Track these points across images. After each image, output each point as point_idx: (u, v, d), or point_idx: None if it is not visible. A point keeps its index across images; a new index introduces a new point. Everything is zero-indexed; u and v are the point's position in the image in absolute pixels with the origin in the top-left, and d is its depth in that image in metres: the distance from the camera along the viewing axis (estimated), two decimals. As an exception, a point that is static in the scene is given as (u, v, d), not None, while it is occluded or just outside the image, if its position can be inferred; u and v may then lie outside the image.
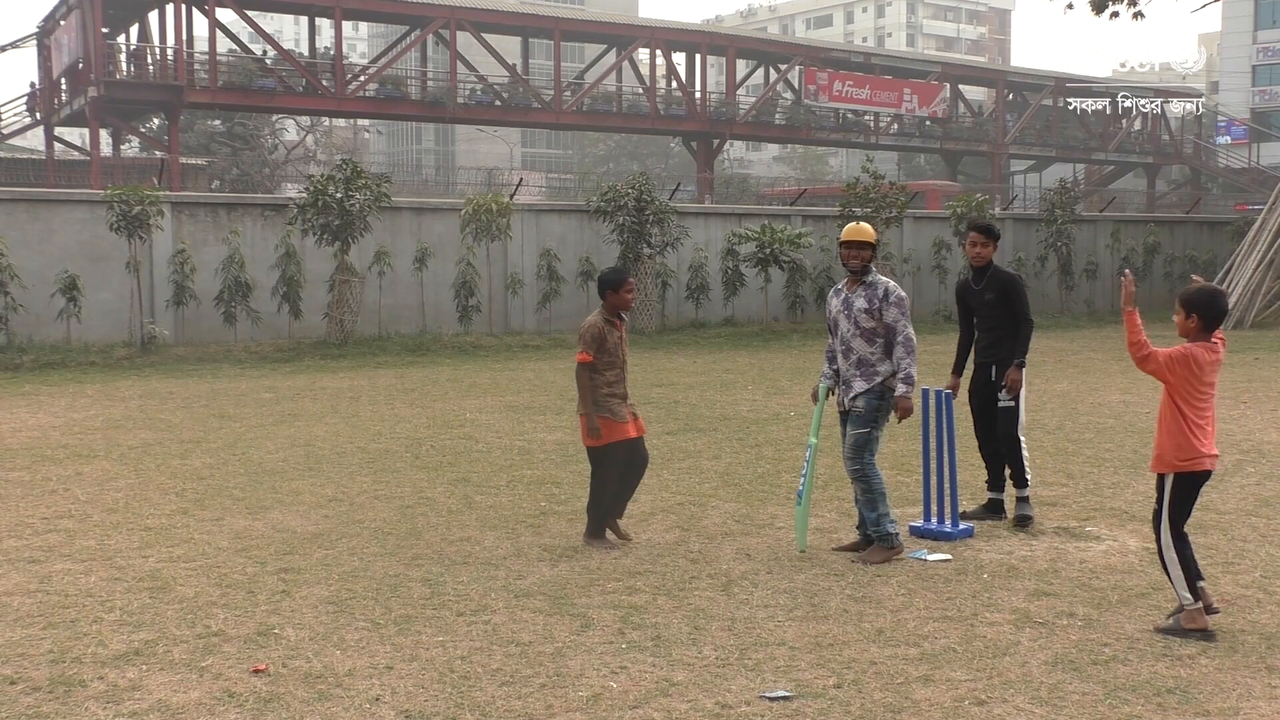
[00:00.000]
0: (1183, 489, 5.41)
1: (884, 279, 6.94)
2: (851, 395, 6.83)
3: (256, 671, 4.98)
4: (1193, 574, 5.39)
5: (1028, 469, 7.66)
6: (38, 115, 39.73)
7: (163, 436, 11.40)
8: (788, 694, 4.71)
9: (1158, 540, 5.46)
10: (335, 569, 6.59)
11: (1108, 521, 7.54)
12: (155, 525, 7.68)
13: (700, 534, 7.36)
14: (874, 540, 6.80)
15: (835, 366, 7.02)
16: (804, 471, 6.98)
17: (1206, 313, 5.38)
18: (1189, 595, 5.35)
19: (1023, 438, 7.69)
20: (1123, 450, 10.15)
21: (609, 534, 7.13)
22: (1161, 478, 5.45)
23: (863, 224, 7.02)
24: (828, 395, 7.07)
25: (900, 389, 6.74)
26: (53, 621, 5.67)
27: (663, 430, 11.49)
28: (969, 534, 7.30)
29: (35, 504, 8.35)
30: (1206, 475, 5.45)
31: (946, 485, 7.32)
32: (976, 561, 6.70)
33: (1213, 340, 5.41)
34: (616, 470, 7.08)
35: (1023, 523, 7.46)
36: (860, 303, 6.83)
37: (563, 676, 4.92)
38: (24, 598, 6.07)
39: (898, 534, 6.83)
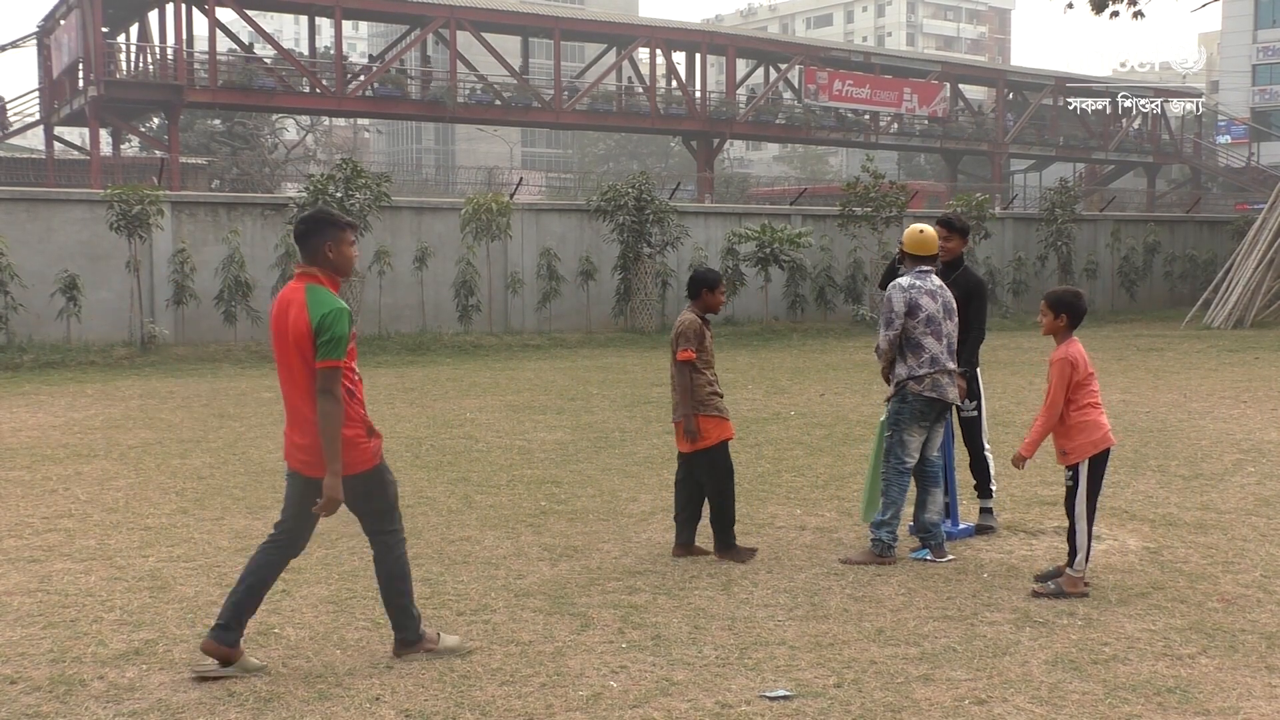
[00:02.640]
0: (1098, 468, 6.02)
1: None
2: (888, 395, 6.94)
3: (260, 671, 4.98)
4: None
5: (994, 480, 7.62)
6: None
7: (163, 436, 11.40)
8: (788, 693, 4.71)
9: (1072, 524, 6.01)
10: (335, 569, 6.59)
11: (1107, 521, 7.54)
12: (155, 525, 7.69)
13: (700, 534, 7.35)
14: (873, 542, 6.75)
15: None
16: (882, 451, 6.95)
17: (1073, 312, 6.02)
18: (1084, 564, 5.97)
19: (988, 447, 7.64)
20: (1122, 450, 10.14)
21: (676, 550, 6.88)
22: (1075, 465, 5.99)
23: (926, 231, 6.88)
24: None
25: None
26: (53, 621, 5.68)
27: (663, 430, 11.48)
28: (969, 533, 7.30)
29: (35, 503, 8.35)
30: (1107, 453, 6.08)
31: (945, 485, 7.31)
32: (976, 561, 6.70)
33: (1074, 338, 6.07)
34: (730, 468, 6.92)
35: (982, 533, 7.39)
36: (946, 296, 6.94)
37: (563, 676, 4.92)
38: (24, 597, 6.07)
39: (891, 547, 6.72)
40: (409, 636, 5.16)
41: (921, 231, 6.88)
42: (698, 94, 44.36)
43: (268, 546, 5.15)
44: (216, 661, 4.90)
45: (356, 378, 5.01)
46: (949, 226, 7.47)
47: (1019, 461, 6.10)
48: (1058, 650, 5.20)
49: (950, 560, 6.71)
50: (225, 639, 4.92)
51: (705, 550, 6.93)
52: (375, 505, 5.09)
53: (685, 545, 6.93)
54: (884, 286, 7.43)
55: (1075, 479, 6.01)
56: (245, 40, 40.71)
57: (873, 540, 6.73)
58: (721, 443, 6.89)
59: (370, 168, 28.17)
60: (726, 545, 6.81)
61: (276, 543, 5.15)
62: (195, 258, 19.93)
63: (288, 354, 4.92)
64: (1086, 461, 5.98)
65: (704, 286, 6.96)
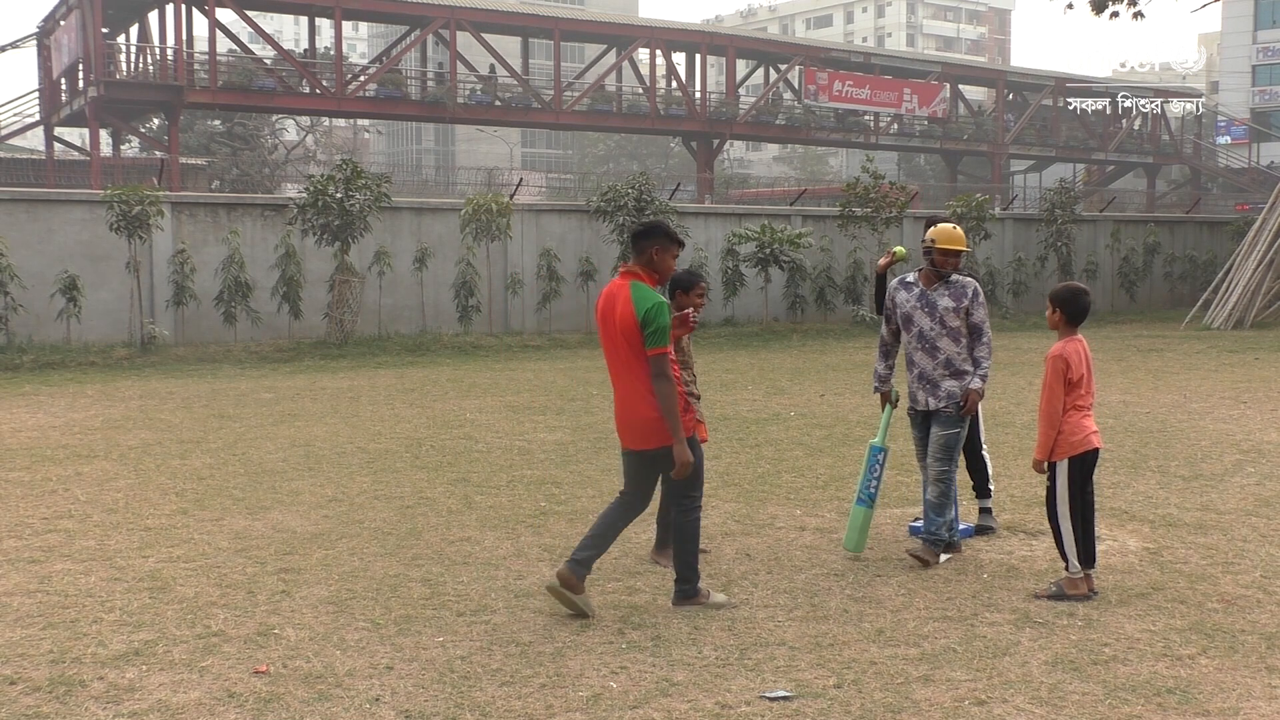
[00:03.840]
0: (1077, 470, 5.99)
1: (967, 278, 6.78)
2: (942, 396, 6.67)
3: (258, 673, 4.98)
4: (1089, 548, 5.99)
5: (992, 481, 7.62)
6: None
7: (163, 437, 11.40)
8: (788, 694, 4.71)
9: (1055, 524, 6.02)
10: (335, 569, 6.59)
11: (1107, 522, 7.53)
12: (155, 525, 7.68)
13: (701, 534, 7.34)
14: (925, 541, 6.67)
15: (890, 362, 6.93)
16: (876, 475, 6.82)
17: (1070, 308, 6.07)
18: (1079, 564, 5.94)
19: (986, 447, 7.64)
20: (1122, 450, 10.14)
21: (654, 553, 6.87)
22: (1053, 465, 6.02)
23: (957, 230, 6.78)
24: (897, 400, 6.94)
25: (976, 383, 6.64)
26: (53, 621, 5.67)
27: (663, 430, 11.49)
28: (968, 534, 7.29)
29: (35, 504, 8.35)
30: (1096, 454, 6.07)
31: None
32: (976, 561, 6.70)
33: (1077, 336, 6.09)
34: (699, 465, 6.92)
35: (982, 533, 7.39)
36: (947, 301, 6.67)
37: (563, 676, 4.92)
38: (24, 598, 6.07)
39: (956, 541, 6.79)
40: (688, 590, 5.88)
41: (955, 227, 6.77)
42: (697, 95, 44.38)
43: (616, 503, 5.97)
44: (568, 590, 5.66)
45: (673, 361, 5.83)
46: None
47: (1038, 466, 6.11)
48: (1058, 651, 5.20)
49: (948, 560, 6.71)
50: (579, 572, 5.73)
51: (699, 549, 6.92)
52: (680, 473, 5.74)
53: (664, 545, 6.87)
54: (879, 306, 7.38)
55: (1053, 479, 6.03)
56: (245, 41, 40.71)
57: (938, 540, 6.64)
58: (691, 437, 6.85)
59: (370, 168, 28.20)
60: (662, 545, 6.83)
61: (623, 502, 5.97)
62: (195, 258, 19.93)
63: (615, 342, 5.74)
64: (1065, 462, 5.97)
65: (678, 289, 6.90)
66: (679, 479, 5.71)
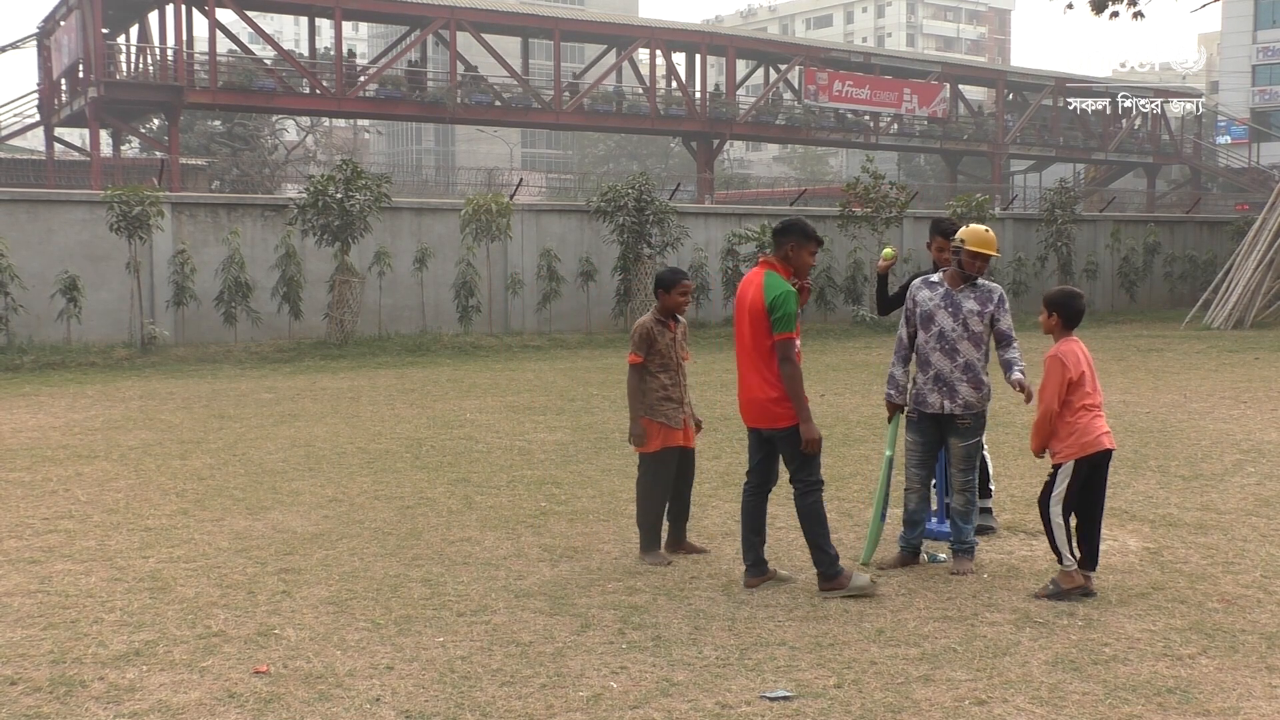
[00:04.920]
0: (1084, 470, 6.04)
1: (993, 284, 6.68)
2: (960, 402, 6.52)
3: (258, 673, 4.99)
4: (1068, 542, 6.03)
5: (992, 480, 7.61)
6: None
7: (163, 437, 11.40)
8: (788, 694, 4.71)
9: (1046, 518, 6.07)
10: (335, 569, 6.59)
11: (1107, 521, 7.52)
12: (155, 526, 7.69)
13: (700, 534, 7.36)
14: (958, 552, 6.60)
15: (908, 368, 6.73)
16: (888, 488, 6.75)
17: (1065, 311, 6.13)
18: (1071, 557, 5.98)
19: (987, 447, 7.63)
20: (1122, 450, 10.13)
21: (664, 550, 6.85)
22: (1060, 464, 6.04)
23: (989, 233, 6.62)
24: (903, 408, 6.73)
25: (1016, 374, 6.40)
26: (53, 622, 5.68)
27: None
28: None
29: (35, 504, 8.35)
30: (1109, 454, 6.12)
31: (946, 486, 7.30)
32: (976, 561, 6.69)
33: (1073, 338, 6.15)
34: (665, 478, 6.79)
35: (982, 533, 7.38)
36: (972, 304, 6.50)
37: (563, 676, 4.92)
38: (24, 598, 6.07)
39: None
40: (828, 571, 6.04)
41: (987, 230, 6.61)
42: (697, 95, 44.39)
43: (746, 494, 6.33)
44: (764, 580, 6.18)
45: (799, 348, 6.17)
46: (946, 236, 7.05)
47: (1039, 453, 6.18)
48: (1058, 650, 5.20)
49: (944, 561, 6.71)
50: (757, 571, 6.21)
51: (699, 548, 6.95)
52: (800, 454, 6.07)
53: (674, 543, 6.94)
54: (881, 307, 7.34)
55: (1054, 476, 6.07)
56: (245, 41, 40.70)
57: (971, 549, 6.59)
58: (663, 450, 6.77)
59: (370, 168, 28.22)
60: (644, 548, 6.79)
61: (750, 486, 6.32)
62: (195, 259, 19.93)
63: (744, 325, 6.22)
64: (1072, 463, 6.00)
65: (660, 288, 6.94)
66: (808, 455, 6.03)
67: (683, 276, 6.98)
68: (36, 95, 40.32)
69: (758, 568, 6.22)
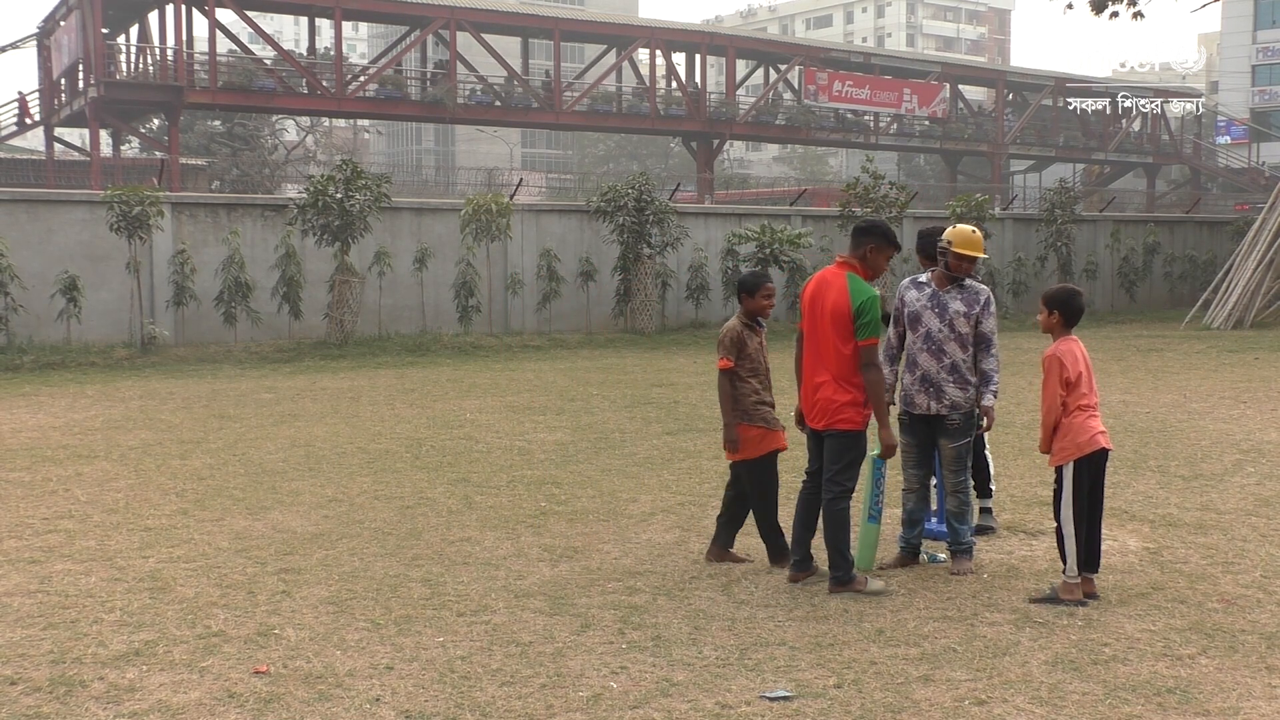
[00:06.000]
0: (1084, 471, 5.99)
1: (981, 285, 6.66)
2: (946, 403, 6.51)
3: (258, 673, 4.99)
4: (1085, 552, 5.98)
5: (993, 481, 7.61)
6: (27, 121, 39.61)
7: (163, 437, 11.40)
8: (788, 694, 4.71)
9: (1059, 526, 6.03)
10: (335, 569, 6.59)
11: (1107, 521, 7.52)
12: (155, 526, 7.69)
13: (700, 534, 7.35)
14: (956, 553, 6.60)
15: (896, 368, 6.73)
16: (881, 488, 6.64)
17: (1066, 309, 6.11)
18: (1076, 569, 5.93)
19: (988, 448, 7.63)
20: (1122, 450, 10.14)
21: (709, 555, 6.76)
22: (1060, 468, 6.02)
23: (976, 234, 6.60)
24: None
25: (989, 400, 6.52)
26: (53, 622, 5.68)
27: (663, 430, 11.50)
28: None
29: (35, 504, 8.35)
30: (1105, 454, 6.07)
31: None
32: (976, 561, 6.69)
33: (1072, 337, 6.13)
34: (775, 481, 6.70)
35: (983, 533, 7.38)
36: (958, 305, 6.52)
37: (563, 677, 4.92)
38: (24, 598, 6.07)
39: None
40: (842, 576, 6.06)
41: (974, 231, 6.63)
42: (708, 94, 44.35)
43: (803, 491, 6.34)
44: (807, 576, 6.23)
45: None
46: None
47: (1046, 450, 6.14)
48: (1058, 650, 5.20)
49: (943, 561, 6.70)
50: (803, 566, 6.26)
51: (740, 557, 6.76)
52: (844, 458, 6.09)
53: (718, 548, 6.78)
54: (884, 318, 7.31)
55: (1059, 481, 6.02)
56: (245, 41, 40.69)
57: (969, 549, 6.59)
58: (767, 454, 6.66)
59: (370, 169, 28.19)
60: (775, 554, 6.63)
61: (810, 488, 6.30)
62: (195, 259, 19.92)
63: (822, 326, 6.08)
64: (1071, 465, 5.95)
65: (743, 292, 6.79)
66: (852, 460, 6.07)
67: (765, 279, 6.86)
68: (38, 95, 40.35)
69: (805, 563, 6.25)
